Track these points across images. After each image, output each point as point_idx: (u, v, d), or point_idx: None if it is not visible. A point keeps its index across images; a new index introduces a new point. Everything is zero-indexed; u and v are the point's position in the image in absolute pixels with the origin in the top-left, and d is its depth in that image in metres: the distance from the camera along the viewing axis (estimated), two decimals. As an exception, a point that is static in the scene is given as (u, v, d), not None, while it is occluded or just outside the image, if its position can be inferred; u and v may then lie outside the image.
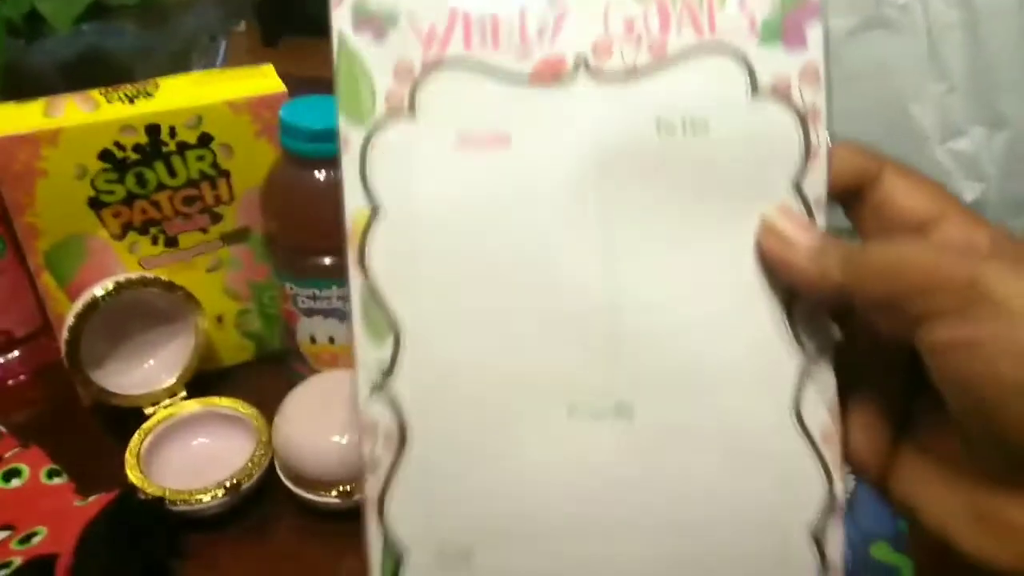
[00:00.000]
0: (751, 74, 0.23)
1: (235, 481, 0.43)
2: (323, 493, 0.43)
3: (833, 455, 0.23)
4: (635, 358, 0.23)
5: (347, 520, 0.44)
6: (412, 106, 0.23)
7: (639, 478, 0.23)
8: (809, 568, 0.23)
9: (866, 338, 0.23)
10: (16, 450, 0.45)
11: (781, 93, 0.23)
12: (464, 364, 0.23)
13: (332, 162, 0.46)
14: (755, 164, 0.23)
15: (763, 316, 0.23)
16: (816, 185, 0.23)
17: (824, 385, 0.23)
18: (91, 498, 0.41)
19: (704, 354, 0.23)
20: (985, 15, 0.39)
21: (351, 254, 0.23)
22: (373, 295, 0.23)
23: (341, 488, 0.43)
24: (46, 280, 0.47)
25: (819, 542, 0.23)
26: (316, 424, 0.45)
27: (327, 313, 0.48)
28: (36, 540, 0.38)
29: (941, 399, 0.21)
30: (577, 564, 0.23)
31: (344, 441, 0.43)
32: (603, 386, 0.23)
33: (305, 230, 0.46)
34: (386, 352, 0.23)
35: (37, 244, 0.45)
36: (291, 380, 0.52)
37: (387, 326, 0.23)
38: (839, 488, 0.23)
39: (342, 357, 0.50)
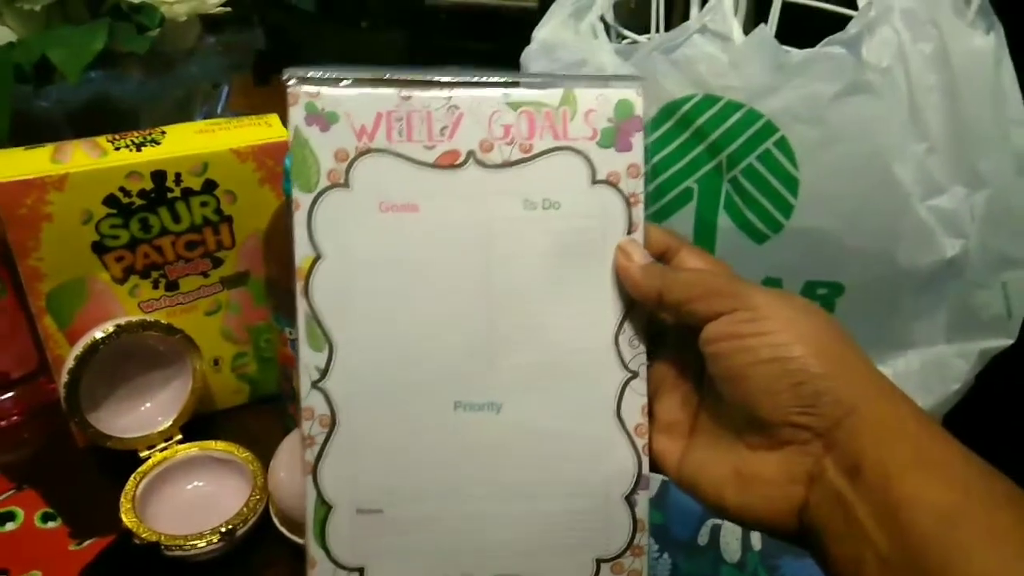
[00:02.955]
0: (592, 168, 0.31)
1: (230, 527, 0.43)
2: (318, 539, 0.44)
3: (643, 444, 0.32)
4: (505, 369, 0.31)
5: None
6: (347, 180, 0.30)
7: (503, 457, 0.31)
8: (624, 523, 0.32)
9: (670, 357, 0.32)
10: (11, 492, 0.45)
11: (612, 183, 0.31)
12: (380, 370, 0.31)
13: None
14: (593, 232, 0.31)
15: (597, 343, 0.31)
16: None
17: (639, 394, 0.32)
18: (86, 543, 0.40)
19: (554, 369, 0.31)
20: (962, 79, 0.40)
21: (299, 287, 0.31)
22: (314, 317, 0.30)
23: (336, 534, 0.43)
24: (47, 322, 0.47)
25: (631, 504, 0.32)
26: (312, 469, 0.45)
27: (325, 358, 0.48)
28: (30, 586, 0.38)
29: (716, 398, 0.30)
30: (458, 519, 0.32)
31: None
32: (480, 389, 0.31)
33: (306, 276, 0.47)
34: (322, 359, 0.31)
35: (40, 286, 0.46)
36: (286, 424, 0.52)
37: (324, 340, 0.30)
38: (646, 466, 0.32)
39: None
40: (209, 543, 0.42)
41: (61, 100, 0.52)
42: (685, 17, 0.46)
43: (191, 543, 0.42)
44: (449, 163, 0.30)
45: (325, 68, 0.30)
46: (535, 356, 0.31)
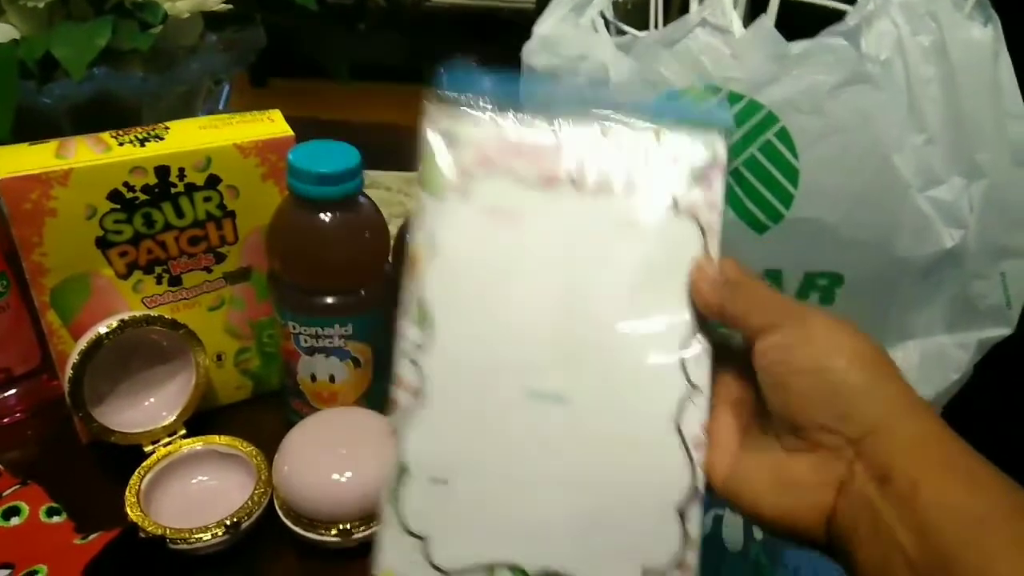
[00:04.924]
0: (675, 201, 0.34)
1: (235, 520, 0.43)
2: (323, 532, 0.44)
3: (699, 457, 0.32)
4: (577, 368, 0.33)
5: (346, 558, 0.45)
6: (466, 191, 0.34)
7: (567, 449, 0.33)
8: (674, 534, 0.32)
9: (726, 378, 0.34)
10: (15, 487, 0.45)
11: (692, 215, 0.34)
12: (467, 354, 0.34)
13: (338, 204, 0.48)
14: (671, 257, 0.34)
15: (665, 357, 0.33)
16: None
17: (700, 408, 0.33)
18: (92, 536, 0.41)
19: (622, 375, 0.33)
20: (960, 71, 0.41)
21: (414, 272, 0.34)
22: (420, 299, 0.34)
23: (341, 527, 0.44)
24: (50, 318, 0.47)
25: (682, 516, 0.32)
26: (316, 462, 0.45)
27: (328, 352, 0.48)
28: (36, 578, 0.38)
29: (763, 413, 0.31)
30: (513, 501, 0.33)
31: (344, 479, 0.44)
32: (552, 382, 0.33)
33: (311, 270, 0.47)
34: (420, 336, 0.33)
35: (43, 282, 0.46)
36: (288, 419, 0.52)
37: (426, 320, 0.34)
38: (700, 480, 0.32)
39: (341, 395, 0.51)
40: (214, 536, 0.43)
41: (64, 96, 0.52)
42: (682, 13, 0.46)
43: (196, 536, 0.42)
44: (552, 184, 0.34)
45: (462, 92, 0.34)
46: (606, 361, 0.33)
